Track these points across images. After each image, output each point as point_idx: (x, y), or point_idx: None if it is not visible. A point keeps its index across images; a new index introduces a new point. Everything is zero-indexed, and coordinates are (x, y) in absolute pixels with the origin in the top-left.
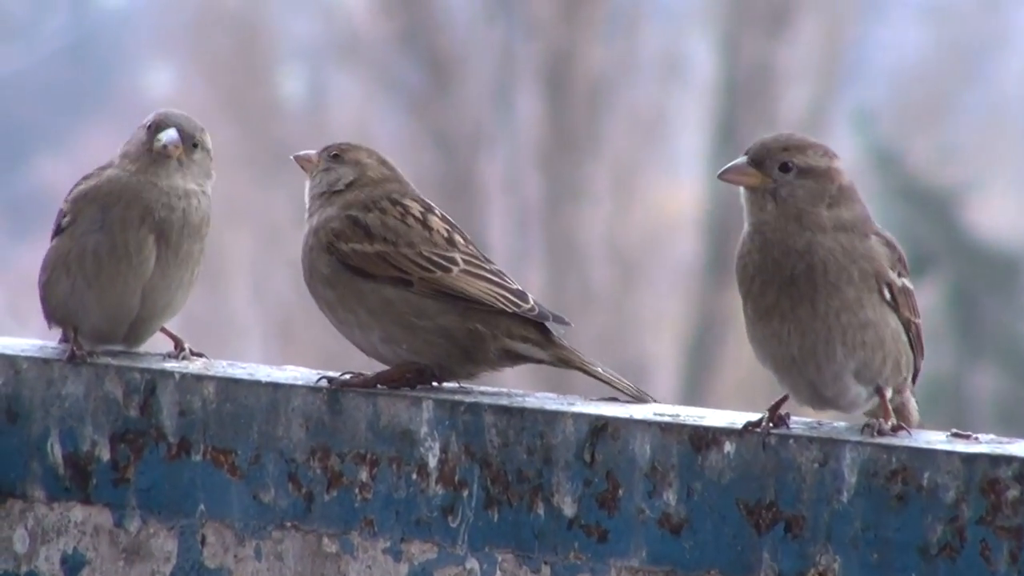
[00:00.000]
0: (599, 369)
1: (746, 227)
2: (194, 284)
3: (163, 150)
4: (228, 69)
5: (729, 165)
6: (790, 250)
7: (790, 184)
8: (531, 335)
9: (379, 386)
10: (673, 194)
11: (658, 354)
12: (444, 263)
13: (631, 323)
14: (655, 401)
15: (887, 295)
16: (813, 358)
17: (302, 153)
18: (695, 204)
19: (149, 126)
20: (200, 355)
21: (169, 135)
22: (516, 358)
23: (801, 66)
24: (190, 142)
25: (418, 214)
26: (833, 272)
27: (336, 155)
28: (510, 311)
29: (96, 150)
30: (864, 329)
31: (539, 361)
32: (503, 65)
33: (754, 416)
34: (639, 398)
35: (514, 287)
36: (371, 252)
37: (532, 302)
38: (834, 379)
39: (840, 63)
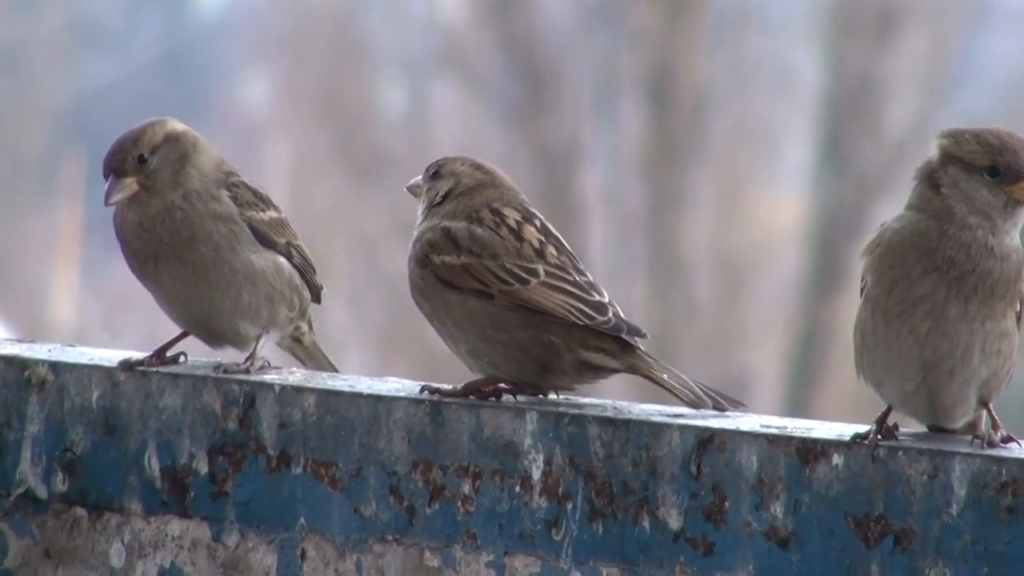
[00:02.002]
0: (664, 376)
1: (919, 216)
2: (245, 282)
3: (108, 205)
4: (325, 79)
5: None
6: (986, 250)
7: None
8: (605, 345)
9: (469, 397)
10: (777, 206)
11: (762, 366)
12: (524, 275)
13: (735, 335)
14: (718, 411)
15: (1017, 308)
16: (948, 361)
17: (411, 183)
18: (800, 216)
19: None
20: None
21: (106, 188)
22: (594, 369)
23: (907, 77)
24: (132, 165)
25: (514, 224)
26: (1000, 282)
27: (435, 172)
28: (582, 323)
29: None
30: (1002, 338)
31: (613, 370)
32: (604, 76)
33: (862, 427)
34: (697, 405)
35: (594, 299)
36: (457, 264)
37: (610, 315)
38: (960, 387)
39: (946, 73)
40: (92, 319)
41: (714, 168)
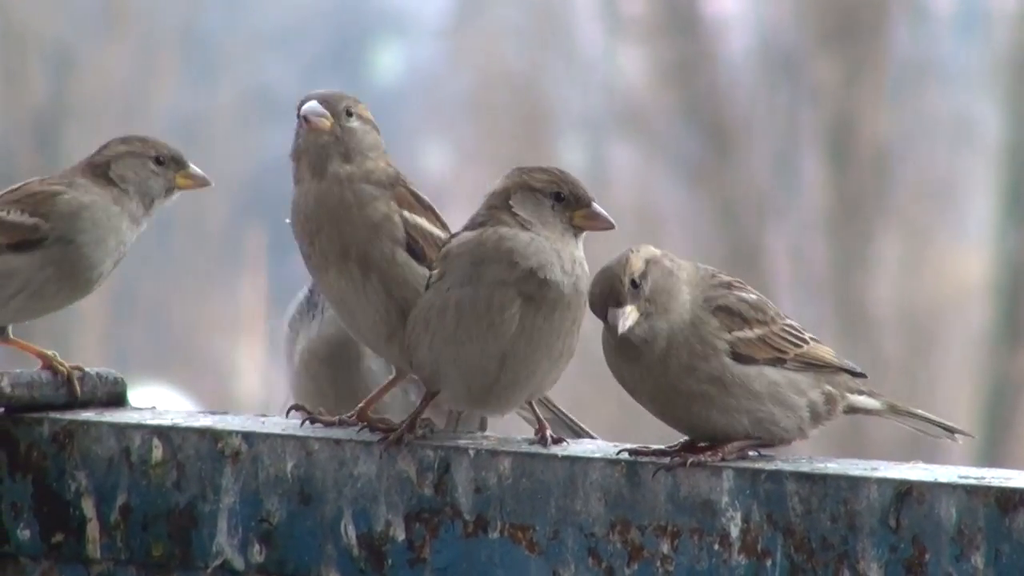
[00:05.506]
0: (919, 411)
1: None
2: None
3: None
4: (506, 143)
5: None
6: None
7: None
8: (864, 388)
9: (723, 459)
10: (963, 259)
11: (953, 420)
12: (802, 333)
13: (924, 390)
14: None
15: None
16: None
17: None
18: (985, 269)
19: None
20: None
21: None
22: (853, 412)
23: None
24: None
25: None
26: None
27: (635, 282)
28: (847, 369)
29: None
30: None
31: (875, 412)
32: (786, 132)
33: None
34: (952, 431)
35: None
36: (753, 337)
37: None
38: None
39: None
40: (279, 392)
41: (898, 223)
